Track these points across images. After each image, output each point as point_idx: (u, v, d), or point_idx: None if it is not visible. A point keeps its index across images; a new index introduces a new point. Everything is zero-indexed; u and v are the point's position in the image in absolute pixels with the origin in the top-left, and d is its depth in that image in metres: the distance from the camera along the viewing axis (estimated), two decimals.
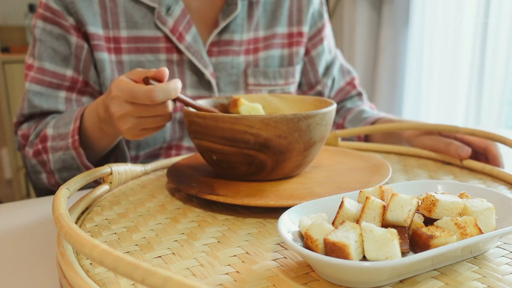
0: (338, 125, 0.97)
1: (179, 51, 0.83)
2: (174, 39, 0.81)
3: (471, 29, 1.90)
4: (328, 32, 0.99)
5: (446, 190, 0.46)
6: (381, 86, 2.31)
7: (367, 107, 0.97)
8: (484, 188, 0.45)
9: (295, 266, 0.38)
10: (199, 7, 0.85)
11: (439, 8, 2.02)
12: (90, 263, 0.39)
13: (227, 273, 0.37)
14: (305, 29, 0.94)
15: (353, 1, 2.34)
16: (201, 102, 0.64)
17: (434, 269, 0.36)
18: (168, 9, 0.81)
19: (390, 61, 2.27)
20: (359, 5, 2.33)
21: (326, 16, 0.98)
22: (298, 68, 0.95)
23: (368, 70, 2.39)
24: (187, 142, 0.87)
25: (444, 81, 2.06)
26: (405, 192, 0.42)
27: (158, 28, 0.81)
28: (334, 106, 0.56)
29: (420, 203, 0.41)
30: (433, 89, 2.12)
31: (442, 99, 2.09)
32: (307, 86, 0.99)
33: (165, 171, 0.67)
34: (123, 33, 0.80)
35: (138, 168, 0.63)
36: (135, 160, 0.85)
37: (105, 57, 0.80)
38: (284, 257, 0.39)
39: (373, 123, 0.88)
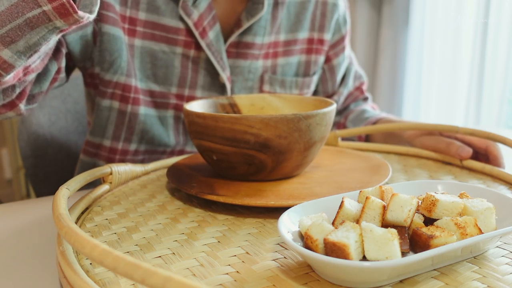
0: (340, 125, 0.96)
1: (198, 48, 0.77)
2: (196, 33, 0.75)
3: (471, 29, 1.90)
4: (349, 39, 0.95)
5: (446, 190, 0.46)
6: (381, 86, 2.31)
7: (369, 107, 0.97)
8: (484, 188, 0.45)
9: (295, 266, 0.38)
10: (223, 3, 0.80)
11: (439, 8, 2.02)
12: (90, 263, 0.39)
13: (227, 273, 0.37)
14: (327, 36, 0.89)
15: (353, 1, 2.34)
16: (201, 102, 0.64)
17: (434, 269, 0.36)
18: (195, 0, 0.75)
19: (390, 61, 2.27)
20: (359, 5, 2.33)
21: (349, 21, 0.93)
22: (315, 79, 0.91)
23: (368, 70, 2.39)
24: (189, 147, 0.85)
25: (444, 81, 2.06)
26: (405, 192, 0.42)
27: (181, 19, 0.75)
28: (334, 106, 0.56)
29: (420, 203, 0.41)
30: (433, 89, 2.12)
31: (442, 99, 2.09)
32: (324, 94, 0.95)
33: (165, 171, 0.67)
34: (141, 15, 0.74)
35: (138, 168, 0.63)
36: (133, 154, 0.82)
37: (121, 35, 0.73)
38: (284, 257, 0.39)
39: (374, 123, 0.87)
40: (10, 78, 0.52)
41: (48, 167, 1.02)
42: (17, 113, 0.63)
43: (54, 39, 0.51)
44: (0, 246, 0.48)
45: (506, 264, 0.37)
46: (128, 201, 0.55)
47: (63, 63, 0.68)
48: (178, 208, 0.53)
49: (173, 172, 0.60)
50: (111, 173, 0.58)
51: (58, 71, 0.67)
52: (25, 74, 0.56)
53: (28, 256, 0.46)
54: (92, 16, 0.48)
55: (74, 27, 0.48)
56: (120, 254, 0.28)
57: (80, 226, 0.48)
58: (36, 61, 0.55)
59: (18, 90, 0.59)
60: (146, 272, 0.26)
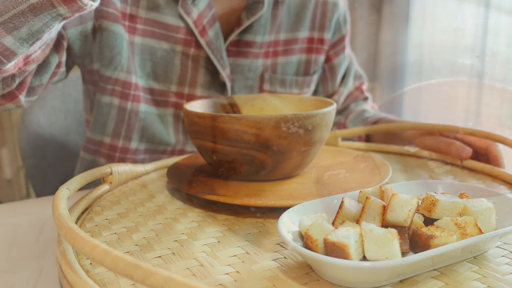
0: (340, 125, 0.96)
1: (198, 46, 0.77)
2: (196, 32, 0.76)
3: (471, 29, 1.90)
4: (349, 39, 0.95)
5: (446, 190, 0.46)
6: (381, 86, 2.31)
7: (369, 107, 0.97)
8: (484, 188, 0.45)
9: (295, 266, 0.38)
10: (223, 2, 0.79)
11: (439, 8, 2.02)
12: (90, 263, 0.39)
13: (227, 273, 0.37)
14: (327, 36, 0.89)
15: (353, 1, 2.34)
16: (201, 102, 0.64)
17: (434, 269, 0.36)
18: None
19: (390, 61, 2.27)
20: (359, 5, 2.33)
21: (349, 20, 0.93)
22: (315, 78, 0.91)
23: (368, 70, 2.39)
24: (189, 147, 0.84)
25: (444, 81, 2.06)
26: (405, 192, 0.42)
27: (181, 18, 0.76)
28: (334, 106, 0.56)
29: (420, 203, 0.41)
30: (433, 89, 2.12)
31: (442, 99, 2.09)
32: (324, 94, 0.95)
33: (165, 171, 0.67)
34: (142, 13, 0.75)
35: (138, 168, 0.63)
36: (134, 153, 0.81)
37: (121, 31, 0.73)
38: (284, 257, 0.39)
39: (374, 123, 0.87)
40: (11, 67, 0.52)
41: (48, 167, 1.02)
42: (16, 105, 0.63)
43: (56, 27, 0.50)
44: (0, 246, 0.48)
45: (506, 264, 0.37)
46: (128, 201, 0.55)
47: (63, 57, 0.69)
48: (178, 208, 0.52)
49: (173, 172, 0.60)
50: (111, 173, 0.58)
51: (58, 65, 0.67)
52: (25, 64, 0.56)
53: (28, 256, 0.46)
54: (96, 4, 0.48)
55: (77, 14, 0.48)
56: (120, 254, 0.28)
57: (80, 226, 0.48)
58: (37, 51, 0.55)
59: (18, 81, 0.59)
60: (146, 272, 0.26)
